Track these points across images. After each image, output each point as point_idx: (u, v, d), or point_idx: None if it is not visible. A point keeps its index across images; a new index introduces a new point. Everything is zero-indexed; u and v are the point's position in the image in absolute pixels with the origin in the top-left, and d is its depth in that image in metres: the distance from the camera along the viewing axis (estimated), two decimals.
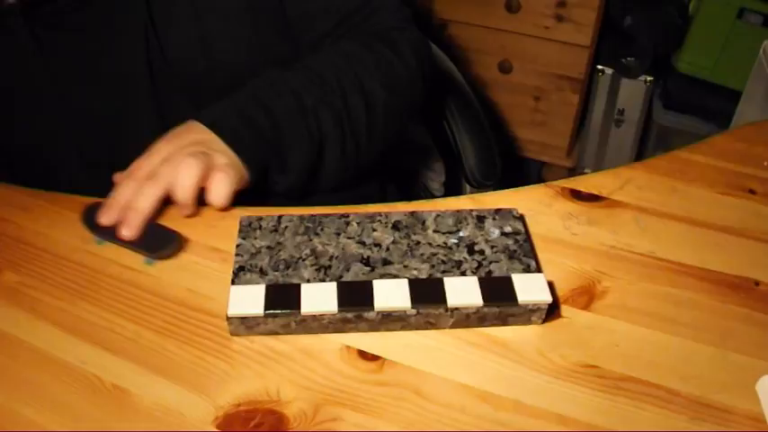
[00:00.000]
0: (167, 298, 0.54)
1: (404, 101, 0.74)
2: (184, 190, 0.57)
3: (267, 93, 0.65)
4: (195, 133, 0.61)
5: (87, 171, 0.70)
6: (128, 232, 0.56)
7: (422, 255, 0.54)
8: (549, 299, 0.51)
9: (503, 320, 0.52)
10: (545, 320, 0.52)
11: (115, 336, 0.51)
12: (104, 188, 0.65)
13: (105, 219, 0.57)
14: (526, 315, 0.51)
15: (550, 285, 0.52)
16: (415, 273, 0.53)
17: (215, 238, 0.59)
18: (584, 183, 0.65)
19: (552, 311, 0.52)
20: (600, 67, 1.60)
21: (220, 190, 0.58)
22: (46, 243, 0.59)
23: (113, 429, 0.46)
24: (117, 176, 0.60)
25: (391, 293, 0.51)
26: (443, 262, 0.54)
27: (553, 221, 0.61)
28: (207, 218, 0.61)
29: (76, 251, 0.58)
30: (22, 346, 0.51)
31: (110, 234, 0.57)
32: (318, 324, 0.51)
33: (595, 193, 0.64)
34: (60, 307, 0.53)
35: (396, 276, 0.52)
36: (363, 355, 0.50)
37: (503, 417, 0.46)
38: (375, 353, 0.50)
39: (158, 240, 0.57)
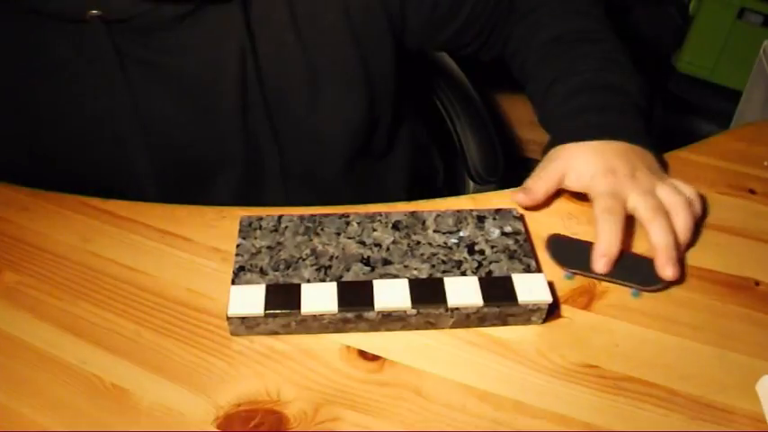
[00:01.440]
0: (167, 298, 0.54)
1: None
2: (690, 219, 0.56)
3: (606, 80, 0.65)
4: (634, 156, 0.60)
5: (161, 188, 0.68)
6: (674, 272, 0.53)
7: (422, 255, 0.54)
8: (549, 299, 0.51)
9: (503, 320, 0.52)
10: (545, 320, 0.52)
11: (115, 336, 0.51)
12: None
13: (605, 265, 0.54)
14: (526, 315, 0.51)
15: (550, 285, 0.52)
16: (415, 273, 0.53)
17: (215, 237, 0.59)
18: None
19: (552, 311, 0.52)
20: None
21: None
22: (46, 243, 0.59)
23: (113, 429, 0.46)
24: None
25: (391, 293, 0.51)
26: (443, 262, 0.54)
27: (553, 221, 0.61)
28: (207, 218, 0.61)
29: (76, 251, 0.58)
30: (22, 346, 0.50)
31: (585, 268, 0.55)
32: (318, 324, 0.51)
33: None
34: (60, 307, 0.53)
35: (396, 276, 0.52)
36: (363, 355, 0.50)
37: (503, 417, 0.46)
38: (375, 353, 0.50)
39: (645, 271, 0.54)
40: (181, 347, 0.50)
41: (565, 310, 0.53)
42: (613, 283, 0.55)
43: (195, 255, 0.57)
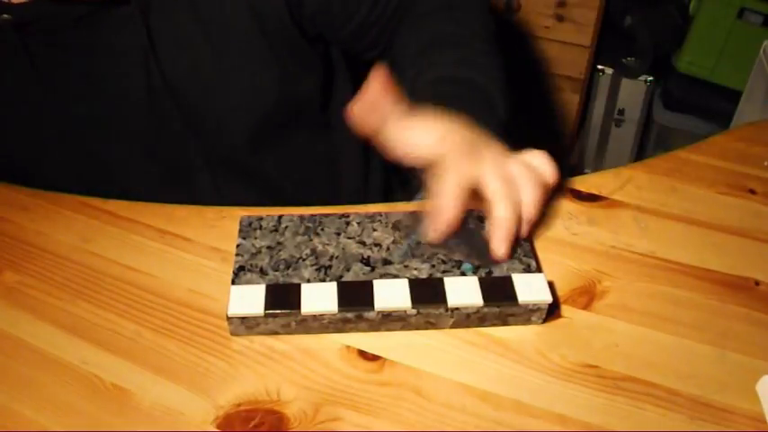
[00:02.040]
0: (167, 298, 0.54)
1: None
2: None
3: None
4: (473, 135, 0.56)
5: (83, 186, 0.69)
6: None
7: (422, 255, 0.54)
8: (549, 299, 0.51)
9: (503, 320, 0.52)
10: (545, 320, 0.52)
11: (115, 336, 0.51)
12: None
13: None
14: (526, 315, 0.51)
15: (550, 285, 0.52)
16: (415, 273, 0.53)
17: (215, 237, 0.59)
18: (585, 183, 0.65)
19: (552, 311, 0.52)
20: (600, 67, 1.60)
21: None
22: (46, 243, 0.59)
23: (113, 429, 0.46)
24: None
25: (391, 293, 0.51)
26: (443, 262, 0.54)
27: (553, 221, 0.61)
28: (207, 218, 0.61)
29: (77, 251, 0.58)
30: (22, 346, 0.51)
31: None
32: (318, 324, 0.51)
33: (595, 193, 0.64)
34: (61, 307, 0.53)
35: (396, 276, 0.52)
36: (363, 355, 0.50)
37: (503, 417, 0.46)
38: (375, 353, 0.50)
39: (479, 246, 0.53)
40: (181, 347, 0.50)
41: (565, 310, 0.53)
42: (448, 255, 0.53)
43: (195, 255, 0.57)
